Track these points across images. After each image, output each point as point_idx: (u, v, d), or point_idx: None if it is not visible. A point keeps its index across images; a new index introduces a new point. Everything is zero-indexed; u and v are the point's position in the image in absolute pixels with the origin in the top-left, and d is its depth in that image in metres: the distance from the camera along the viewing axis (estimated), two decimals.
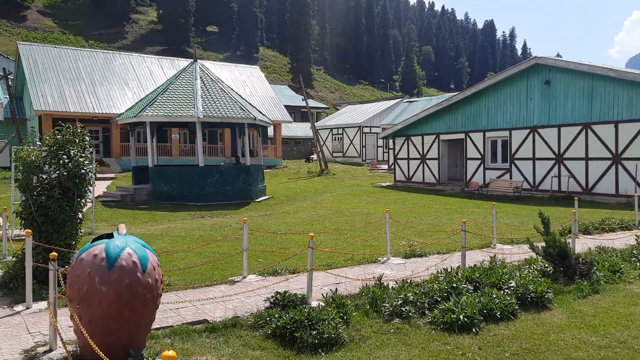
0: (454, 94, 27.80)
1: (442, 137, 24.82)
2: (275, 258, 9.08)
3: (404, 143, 26.89)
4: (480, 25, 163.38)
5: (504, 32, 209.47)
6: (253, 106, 21.29)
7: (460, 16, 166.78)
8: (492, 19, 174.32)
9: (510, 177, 21.56)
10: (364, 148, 41.19)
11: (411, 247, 9.99)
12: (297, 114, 57.33)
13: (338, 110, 50.54)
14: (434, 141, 25.23)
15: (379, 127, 41.22)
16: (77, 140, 6.79)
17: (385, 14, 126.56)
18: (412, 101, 38.19)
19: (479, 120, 23.01)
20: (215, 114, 18.53)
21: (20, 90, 34.63)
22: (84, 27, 73.88)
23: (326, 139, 43.88)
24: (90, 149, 7.08)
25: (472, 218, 14.76)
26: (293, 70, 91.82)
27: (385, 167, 37.22)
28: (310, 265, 6.11)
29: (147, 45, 75.93)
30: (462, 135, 23.80)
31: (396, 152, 27.45)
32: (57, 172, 6.48)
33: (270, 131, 38.25)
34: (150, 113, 18.49)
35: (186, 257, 9.28)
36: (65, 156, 6.58)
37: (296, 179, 31.10)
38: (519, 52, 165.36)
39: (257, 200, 19.70)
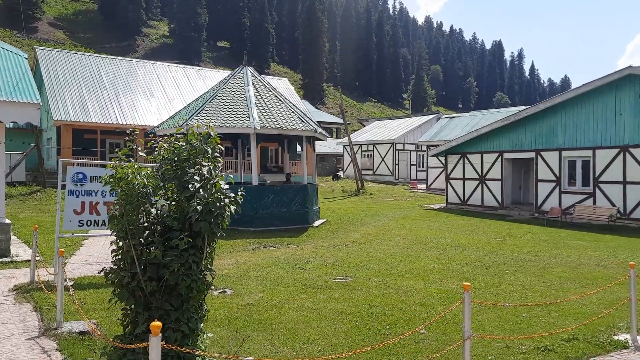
0: (522, 107, 25.40)
1: (507, 155, 22.50)
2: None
3: (458, 161, 24.56)
4: (488, 46, 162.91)
5: (512, 52, 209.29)
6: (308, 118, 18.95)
7: (468, 36, 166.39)
8: (500, 40, 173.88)
9: (594, 203, 19.17)
10: (396, 166, 38.86)
11: None
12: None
13: (364, 126, 48.32)
14: (496, 160, 22.89)
15: (413, 144, 38.98)
16: (209, 151, 4.39)
17: (395, 32, 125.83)
18: (454, 117, 35.96)
19: (553, 137, 20.70)
20: (272, 125, 16.20)
21: None
22: (94, 39, 72.12)
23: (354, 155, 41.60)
24: (220, 166, 4.64)
25: (595, 256, 12.36)
26: (305, 87, 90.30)
27: (423, 186, 34.86)
28: None
29: (158, 59, 73.99)
30: (531, 154, 21.48)
31: (449, 172, 25.09)
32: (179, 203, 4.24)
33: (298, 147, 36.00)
34: (197, 123, 16.13)
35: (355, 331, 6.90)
36: (197, 177, 4.17)
37: (332, 198, 28.81)
38: (527, 72, 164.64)
39: (315, 224, 17.29)
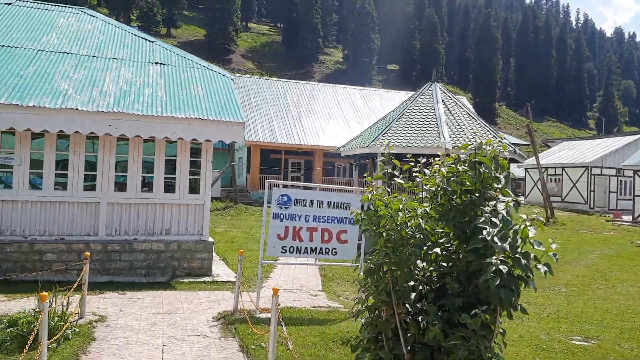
0: None
1: None
2: None
3: None
4: None
5: None
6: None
7: None
8: None
9: None
10: (592, 192, 34.36)
11: None
12: None
13: (549, 147, 44.05)
14: None
15: (613, 168, 34.16)
16: (501, 180, 3.22)
17: (579, 46, 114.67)
18: None
19: None
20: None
21: None
22: (277, 68, 78.55)
23: (537, 180, 37.94)
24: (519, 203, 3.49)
25: None
26: (475, 106, 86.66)
27: (628, 217, 30.12)
28: None
29: (332, 84, 78.05)
30: None
31: None
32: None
33: None
34: (383, 143, 15.82)
35: None
36: (495, 219, 2.99)
37: None
38: None
39: None
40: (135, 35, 13.17)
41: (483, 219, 2.97)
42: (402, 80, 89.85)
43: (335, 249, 7.83)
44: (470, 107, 37.37)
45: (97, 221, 10.20)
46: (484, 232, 2.93)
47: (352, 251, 7.93)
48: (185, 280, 10.01)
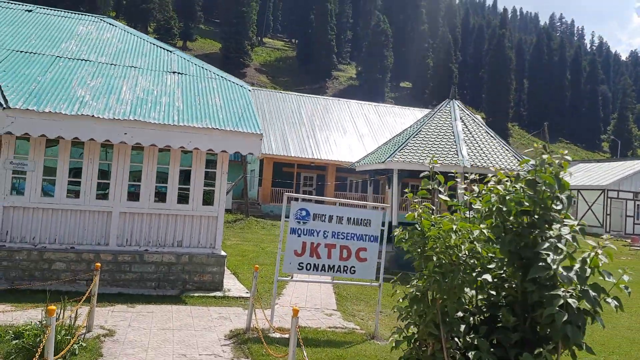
0: None
1: None
2: None
3: None
4: None
5: None
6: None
7: None
8: None
9: None
10: (607, 216, 33.71)
11: None
12: None
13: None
14: None
15: (630, 192, 33.56)
16: (563, 201, 2.89)
17: (593, 68, 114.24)
18: None
19: None
20: (484, 164, 14.82)
21: None
22: (291, 82, 78.81)
23: None
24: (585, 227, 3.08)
25: None
26: (488, 125, 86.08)
27: None
28: None
29: (346, 99, 78.07)
30: None
31: None
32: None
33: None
34: (400, 159, 15.54)
35: None
36: (561, 245, 2.58)
37: None
38: None
39: None
40: (153, 44, 13.10)
41: (547, 244, 2.59)
42: (414, 99, 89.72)
43: (354, 267, 7.50)
44: (484, 124, 37.09)
45: (108, 231, 9.99)
46: (548, 259, 2.54)
47: (371, 270, 7.60)
48: (196, 294, 9.72)
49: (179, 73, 11.73)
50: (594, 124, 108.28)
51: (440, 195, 3.18)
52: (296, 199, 7.54)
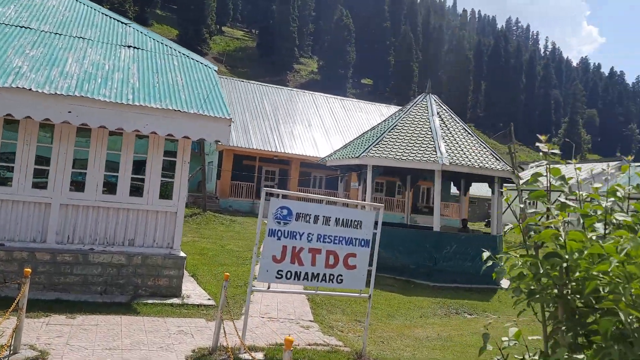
0: None
1: None
2: None
3: None
4: None
5: None
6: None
7: (631, 79, 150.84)
8: None
9: None
10: None
11: None
12: None
13: (523, 170, 43.96)
14: None
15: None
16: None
17: (547, 73, 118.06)
18: None
19: None
20: (463, 162, 14.07)
21: None
22: (251, 73, 76.82)
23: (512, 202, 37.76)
24: None
25: None
26: None
27: None
28: None
29: (311, 92, 77.10)
30: None
31: None
32: None
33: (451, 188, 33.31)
34: (376, 154, 14.59)
35: None
36: None
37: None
38: None
39: (504, 287, 14.55)
40: (106, 15, 11.54)
41: None
42: (374, 96, 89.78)
43: (341, 275, 6.40)
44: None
45: (46, 225, 8.50)
46: None
47: (360, 279, 6.53)
48: (150, 301, 8.39)
49: (135, 47, 10.29)
50: (545, 127, 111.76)
51: (564, 199, 2.04)
52: (276, 195, 6.32)
